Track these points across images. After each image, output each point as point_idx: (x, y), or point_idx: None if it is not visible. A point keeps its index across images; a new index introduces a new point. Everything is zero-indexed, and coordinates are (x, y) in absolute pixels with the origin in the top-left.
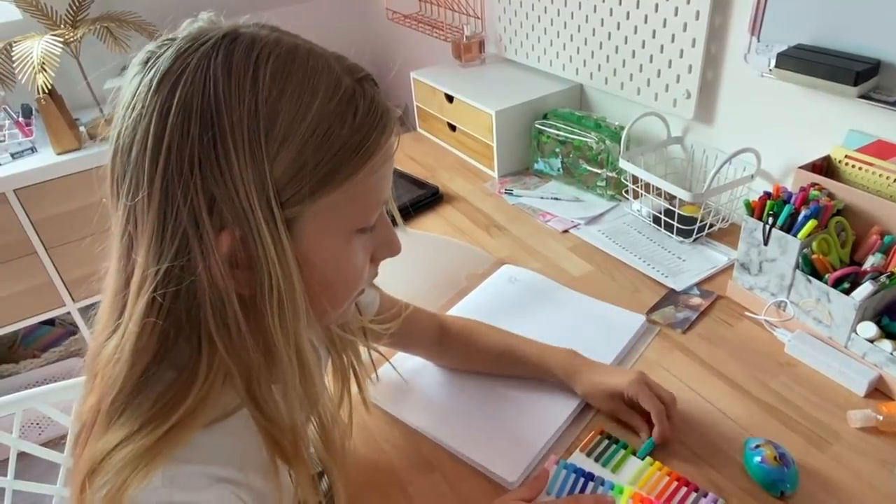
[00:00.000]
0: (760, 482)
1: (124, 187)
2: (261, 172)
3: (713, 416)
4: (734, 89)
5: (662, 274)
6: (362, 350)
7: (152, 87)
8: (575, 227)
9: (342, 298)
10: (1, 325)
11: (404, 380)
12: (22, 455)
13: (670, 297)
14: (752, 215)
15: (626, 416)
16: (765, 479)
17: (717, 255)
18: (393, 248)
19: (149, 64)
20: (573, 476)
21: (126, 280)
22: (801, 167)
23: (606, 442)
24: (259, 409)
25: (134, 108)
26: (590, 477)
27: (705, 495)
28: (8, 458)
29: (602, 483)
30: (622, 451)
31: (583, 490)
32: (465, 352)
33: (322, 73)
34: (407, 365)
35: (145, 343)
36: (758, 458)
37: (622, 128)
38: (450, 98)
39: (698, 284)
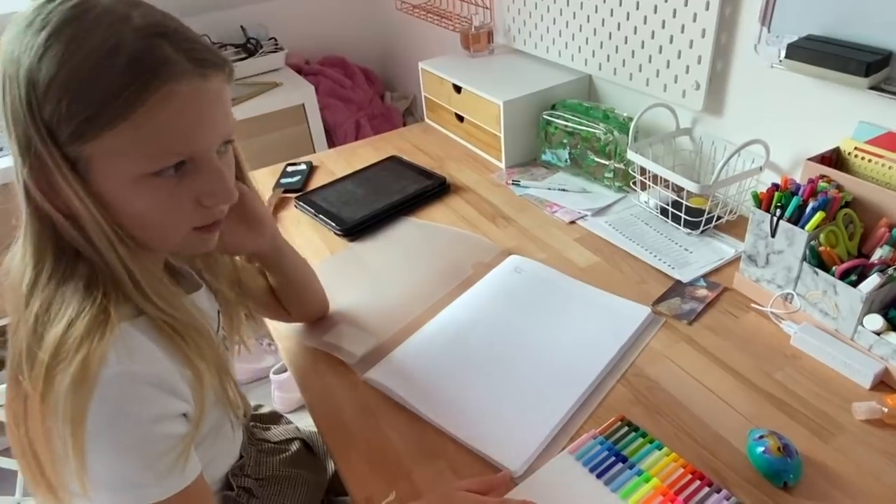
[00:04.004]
0: (764, 472)
1: None
2: (33, 115)
3: (718, 407)
4: (744, 80)
5: (669, 265)
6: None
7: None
8: (582, 218)
9: (164, 234)
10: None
11: (408, 364)
12: None
13: (677, 288)
14: (759, 207)
15: None
16: (768, 469)
17: (724, 247)
18: (217, 197)
19: None
20: (605, 453)
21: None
22: (809, 159)
23: (626, 429)
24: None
25: None
26: (622, 459)
27: (718, 491)
28: None
29: (631, 467)
30: (640, 440)
31: (608, 469)
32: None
33: (98, 31)
34: (412, 349)
35: (39, 244)
36: (761, 449)
37: (630, 119)
38: (458, 88)
39: (705, 276)
